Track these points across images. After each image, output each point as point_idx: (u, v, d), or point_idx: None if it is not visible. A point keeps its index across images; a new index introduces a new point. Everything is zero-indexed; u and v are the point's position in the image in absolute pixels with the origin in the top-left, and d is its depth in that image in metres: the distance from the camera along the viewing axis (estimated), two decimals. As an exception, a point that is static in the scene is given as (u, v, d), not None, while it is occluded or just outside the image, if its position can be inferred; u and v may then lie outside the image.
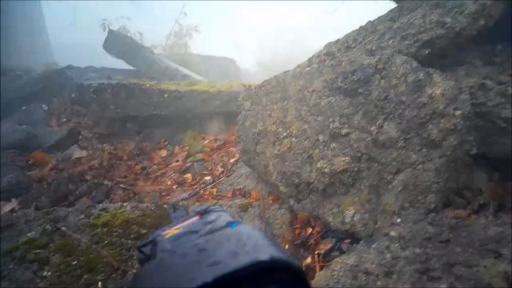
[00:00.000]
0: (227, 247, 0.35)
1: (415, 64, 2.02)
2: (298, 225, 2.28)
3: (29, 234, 2.10)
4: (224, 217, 0.61)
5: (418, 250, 1.42)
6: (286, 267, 0.33)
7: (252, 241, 0.36)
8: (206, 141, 4.21)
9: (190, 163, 3.73)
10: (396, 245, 1.47)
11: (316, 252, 2.04)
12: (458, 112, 1.82)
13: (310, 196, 2.33)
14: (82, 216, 2.24)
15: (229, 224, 0.57)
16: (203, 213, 0.64)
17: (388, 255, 1.45)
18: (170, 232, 0.60)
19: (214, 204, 2.41)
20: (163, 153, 4.16)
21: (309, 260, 1.98)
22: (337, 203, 2.16)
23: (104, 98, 4.05)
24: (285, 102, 2.59)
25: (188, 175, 3.47)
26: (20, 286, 1.81)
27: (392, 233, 1.53)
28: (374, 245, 1.51)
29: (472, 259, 1.35)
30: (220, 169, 3.40)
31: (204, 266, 0.32)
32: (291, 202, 2.44)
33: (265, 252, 0.33)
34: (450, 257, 1.38)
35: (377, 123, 2.02)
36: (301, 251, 2.12)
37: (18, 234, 2.10)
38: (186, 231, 0.58)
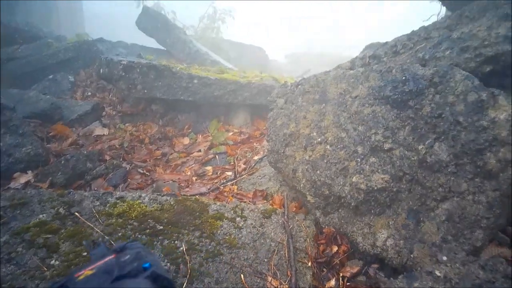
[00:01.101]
0: None
1: (477, 82, 1.82)
2: (323, 241, 2.12)
3: (41, 216, 1.99)
4: (139, 257, 0.62)
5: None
6: None
7: None
8: (230, 133, 4.07)
9: (212, 155, 3.59)
10: (441, 287, 1.30)
11: (341, 275, 1.88)
12: (522, 143, 1.62)
13: (339, 210, 2.17)
14: (98, 203, 2.13)
15: (142, 266, 0.59)
16: (119, 251, 0.65)
17: (432, 300, 1.28)
18: (84, 273, 0.63)
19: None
20: (186, 140, 4.03)
21: (333, 283, 1.82)
22: (369, 223, 1.99)
23: (133, 77, 3.93)
24: (323, 105, 2.41)
25: (209, 168, 3.33)
26: (27, 272, 1.71)
27: (437, 273, 1.35)
28: (415, 284, 1.34)
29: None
30: (243, 166, 3.25)
31: None
32: (318, 213, 2.27)
33: None
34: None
35: (427, 143, 1.83)
36: (324, 270, 1.96)
37: (30, 215, 2.00)
38: (99, 272, 0.60)
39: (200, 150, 3.74)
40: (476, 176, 1.68)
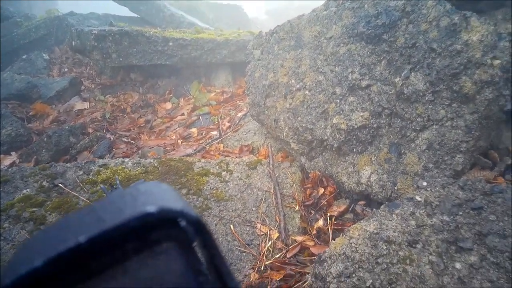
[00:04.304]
0: (116, 204, 0.29)
1: (449, 6, 1.77)
2: (309, 185, 2.13)
3: (24, 191, 1.98)
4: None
5: (447, 217, 1.26)
6: (179, 217, 0.28)
7: (147, 196, 0.29)
8: (213, 94, 4.01)
9: (196, 117, 3.55)
10: (422, 212, 1.32)
11: (328, 214, 1.91)
12: (496, 62, 1.59)
13: (323, 154, 2.17)
14: (81, 172, 2.11)
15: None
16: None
17: (413, 223, 1.30)
18: None
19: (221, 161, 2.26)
20: (168, 105, 3.98)
21: (321, 222, 1.85)
22: (353, 162, 1.99)
23: (106, 46, 3.81)
24: (299, 50, 2.36)
25: (194, 130, 3.30)
26: (16, 245, 1.72)
27: (418, 198, 1.37)
28: (397, 211, 1.35)
29: (507, 229, 1.19)
30: (227, 124, 3.22)
31: (85, 226, 0.27)
32: (303, 160, 2.28)
33: (156, 204, 0.27)
34: (483, 226, 1.22)
35: (403, 74, 1.81)
36: (312, 212, 1.99)
37: (14, 191, 1.99)
38: None
39: (183, 114, 3.69)
40: (453, 101, 1.67)
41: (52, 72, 5.04)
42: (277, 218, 1.88)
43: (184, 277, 0.29)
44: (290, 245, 1.75)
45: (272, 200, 1.99)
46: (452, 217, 1.27)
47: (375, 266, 1.24)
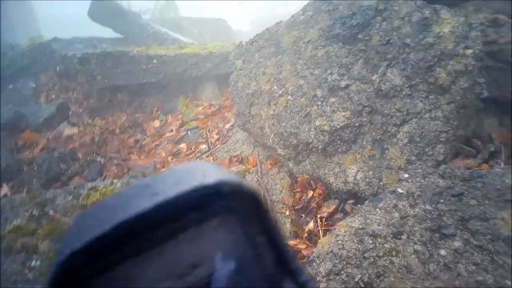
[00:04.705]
0: (172, 178, 0.29)
1: (419, 1, 1.80)
2: (298, 189, 2.14)
3: (15, 221, 1.97)
4: None
5: (429, 206, 1.28)
6: (237, 191, 0.28)
7: (202, 171, 0.30)
8: (200, 108, 4.03)
9: (184, 132, 3.56)
10: (404, 203, 1.32)
11: (318, 216, 1.91)
12: (469, 51, 1.62)
13: (310, 157, 2.18)
14: (71, 197, 2.11)
15: None
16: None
17: (396, 215, 1.31)
18: None
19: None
20: (156, 123, 3.98)
21: (311, 225, 1.85)
22: (339, 162, 2.00)
23: (90, 69, 3.83)
24: (279, 56, 2.39)
25: (183, 145, 3.31)
26: (8, 278, 1.71)
27: (400, 190, 1.38)
28: (380, 205, 1.36)
29: (488, 212, 1.20)
30: (216, 136, 3.24)
31: (144, 198, 0.27)
32: (290, 165, 2.29)
33: (213, 177, 0.28)
34: (465, 212, 1.23)
35: (380, 71, 1.83)
36: (302, 216, 1.99)
37: (4, 223, 1.98)
38: None
39: (172, 130, 3.70)
40: (429, 93, 1.69)
41: (40, 100, 5.04)
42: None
43: (239, 250, 0.29)
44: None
45: (263, 207, 1.99)
46: (434, 205, 1.28)
47: (363, 261, 1.24)
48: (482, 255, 1.14)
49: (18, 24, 11.41)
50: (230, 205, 0.28)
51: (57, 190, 2.19)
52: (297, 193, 2.11)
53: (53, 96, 5.14)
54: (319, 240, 1.41)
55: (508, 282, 1.11)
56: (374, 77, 1.85)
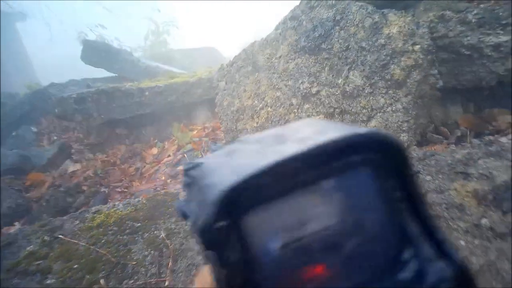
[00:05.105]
0: (309, 129, 0.31)
1: (370, 7, 2.01)
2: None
3: (28, 248, 2.14)
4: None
5: (392, 186, 1.44)
6: (387, 142, 0.28)
7: (337, 125, 0.31)
8: (195, 131, 4.23)
9: (180, 155, 3.75)
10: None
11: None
12: (417, 47, 1.82)
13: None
14: (77, 221, 2.28)
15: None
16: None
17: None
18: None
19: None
20: (154, 151, 4.18)
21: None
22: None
23: (86, 107, 4.06)
24: (257, 74, 2.59)
25: (181, 167, 3.49)
26: (26, 297, 1.87)
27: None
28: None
29: (442, 185, 1.37)
30: (210, 155, 3.42)
31: (289, 143, 0.28)
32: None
33: (358, 129, 0.28)
34: (422, 187, 1.40)
35: (343, 75, 2.03)
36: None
37: (18, 251, 2.15)
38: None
39: (169, 155, 3.89)
40: (388, 89, 1.88)
41: (42, 143, 5.27)
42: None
43: (379, 203, 0.29)
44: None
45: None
46: (395, 185, 1.45)
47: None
48: (439, 222, 1.30)
49: (14, 72, 11.82)
50: (376, 156, 0.28)
51: (64, 217, 2.36)
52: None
53: (55, 138, 5.36)
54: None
55: (462, 243, 1.27)
56: (339, 81, 2.04)
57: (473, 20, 1.92)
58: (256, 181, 0.25)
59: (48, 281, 1.93)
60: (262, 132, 0.32)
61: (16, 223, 3.38)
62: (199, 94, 4.52)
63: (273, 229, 0.27)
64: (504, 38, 1.85)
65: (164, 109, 4.42)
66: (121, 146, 4.43)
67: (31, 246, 2.15)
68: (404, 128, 1.83)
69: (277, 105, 2.37)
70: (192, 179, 0.50)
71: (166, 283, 1.83)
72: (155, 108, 4.33)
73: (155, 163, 3.87)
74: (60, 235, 2.19)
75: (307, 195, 0.27)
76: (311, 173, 0.26)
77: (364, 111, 1.95)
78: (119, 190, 3.48)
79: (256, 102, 2.55)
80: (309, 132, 0.29)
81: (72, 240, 2.13)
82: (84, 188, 3.62)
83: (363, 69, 1.94)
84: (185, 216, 0.48)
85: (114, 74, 7.57)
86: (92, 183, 3.72)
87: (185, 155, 3.72)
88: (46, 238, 2.19)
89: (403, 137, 1.82)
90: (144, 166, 3.89)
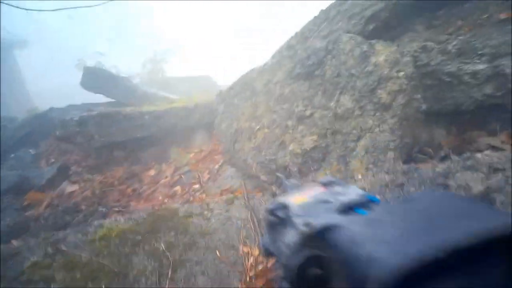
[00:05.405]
0: (447, 210, 0.32)
1: (359, 38, 2.20)
2: (282, 208, 2.42)
3: (32, 259, 2.22)
4: (353, 190, 0.56)
5: (377, 196, 1.57)
6: None
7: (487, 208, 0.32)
8: (192, 154, 4.35)
9: (178, 176, 3.86)
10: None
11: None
12: (401, 73, 1.99)
13: (289, 179, 2.48)
14: (80, 235, 2.37)
15: (368, 199, 0.51)
16: (327, 184, 0.59)
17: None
18: (296, 199, 0.56)
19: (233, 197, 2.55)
20: (152, 172, 4.29)
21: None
22: (313, 180, 2.31)
23: (88, 129, 4.19)
24: (254, 98, 2.76)
25: (178, 187, 3.59)
26: (30, 305, 1.94)
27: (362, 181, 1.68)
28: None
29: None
30: (207, 176, 3.54)
31: (441, 227, 0.29)
32: (274, 188, 2.58)
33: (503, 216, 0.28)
34: (405, 197, 1.53)
35: (335, 99, 2.19)
36: (287, 229, 2.26)
37: (22, 261, 2.22)
38: (315, 201, 0.53)
39: (167, 176, 4.00)
40: (376, 111, 2.04)
41: (40, 164, 5.35)
42: (257, 239, 2.15)
43: None
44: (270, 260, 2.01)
45: (251, 225, 2.26)
46: (381, 195, 1.58)
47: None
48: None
49: (11, 100, 11.97)
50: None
51: (67, 230, 2.45)
52: (280, 211, 2.38)
53: (53, 160, 5.45)
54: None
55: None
56: (331, 104, 2.21)
57: (453, 50, 2.11)
58: (426, 265, 0.25)
59: (51, 290, 2.01)
60: (393, 205, 0.34)
61: (14, 241, 3.43)
62: (197, 119, 4.68)
63: None
64: (481, 66, 2.03)
65: (162, 132, 4.57)
66: (119, 168, 4.53)
67: (35, 257, 2.22)
68: (390, 147, 1.98)
69: (273, 126, 2.53)
70: (278, 219, 0.55)
71: (166, 291, 1.92)
72: (154, 132, 4.47)
73: (152, 184, 3.97)
74: (63, 247, 2.27)
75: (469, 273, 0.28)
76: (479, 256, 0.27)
77: (354, 131, 2.10)
78: (117, 209, 3.56)
79: (253, 124, 2.70)
80: (452, 215, 0.31)
81: (75, 252, 2.21)
82: (83, 207, 3.70)
83: (353, 93, 2.10)
84: (269, 254, 0.56)
85: (112, 100, 7.75)
86: (90, 203, 3.80)
87: (182, 176, 3.83)
88: (49, 249, 2.27)
89: (390, 155, 1.97)
90: (142, 187, 3.98)
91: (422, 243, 0.26)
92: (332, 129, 2.21)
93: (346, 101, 2.13)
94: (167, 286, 1.94)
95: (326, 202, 0.53)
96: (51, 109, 6.98)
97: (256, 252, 2.05)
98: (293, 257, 0.41)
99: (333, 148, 2.22)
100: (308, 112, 2.33)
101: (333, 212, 0.48)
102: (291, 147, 2.36)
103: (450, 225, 0.29)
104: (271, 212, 0.58)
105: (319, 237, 0.41)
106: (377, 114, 2.04)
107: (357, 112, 2.09)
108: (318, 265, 0.40)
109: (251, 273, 1.90)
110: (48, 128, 6.31)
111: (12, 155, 5.69)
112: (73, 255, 2.19)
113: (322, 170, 2.27)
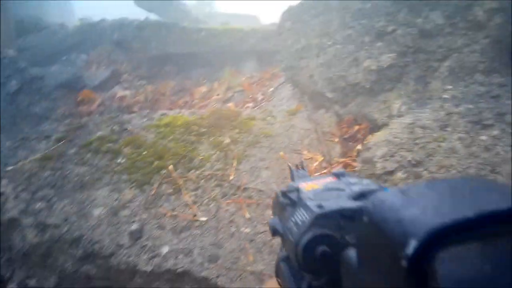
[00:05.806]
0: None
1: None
2: (345, 125, 2.40)
3: (99, 133, 2.31)
4: (366, 181, 0.56)
5: (471, 105, 1.53)
6: None
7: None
8: (243, 78, 4.33)
9: (231, 94, 3.87)
10: (449, 104, 1.59)
11: (365, 142, 2.17)
12: (505, -8, 1.87)
13: (356, 99, 2.44)
14: (145, 119, 2.44)
15: (381, 188, 0.52)
16: (339, 175, 0.60)
17: (443, 112, 1.57)
18: (308, 186, 0.58)
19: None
20: (203, 89, 4.31)
21: (359, 147, 2.12)
22: (384, 100, 2.26)
23: (146, 35, 4.20)
24: (327, 14, 2.66)
25: (231, 104, 3.61)
26: (99, 169, 2.04)
27: (445, 96, 1.64)
28: (428, 106, 1.62)
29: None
30: (261, 96, 3.53)
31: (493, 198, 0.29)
32: (337, 107, 2.55)
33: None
34: (501, 108, 1.48)
35: (423, 15, 2.09)
36: (350, 143, 2.26)
37: (89, 134, 2.32)
38: (327, 188, 0.55)
39: (218, 94, 4.02)
40: (468, 30, 1.94)
41: (91, 69, 5.46)
42: (320, 148, 2.16)
43: None
44: (334, 164, 2.02)
45: (314, 136, 2.27)
46: (475, 104, 1.53)
47: (414, 146, 1.51)
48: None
49: (55, 8, 12.03)
50: None
51: (131, 114, 2.52)
52: (344, 128, 2.37)
53: (103, 67, 5.55)
54: (374, 133, 1.67)
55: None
56: (418, 21, 2.11)
57: None
58: (461, 226, 0.26)
59: (119, 160, 2.10)
60: (418, 186, 0.33)
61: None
62: (251, 44, 4.61)
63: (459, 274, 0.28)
64: None
65: (216, 52, 4.54)
66: (170, 82, 4.58)
67: (102, 132, 2.31)
68: (479, 69, 1.90)
69: (347, 42, 2.45)
70: (290, 201, 0.57)
71: (231, 177, 1.98)
72: (208, 50, 4.45)
73: (204, 99, 4.00)
74: (129, 127, 2.34)
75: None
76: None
77: (440, 50, 2.02)
78: (170, 115, 3.63)
79: (324, 40, 2.63)
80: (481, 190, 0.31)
81: (141, 132, 2.28)
82: (135, 109, 3.78)
83: (446, 9, 2.00)
84: (276, 233, 0.57)
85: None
86: (142, 106, 3.88)
87: (235, 94, 3.84)
88: (115, 127, 2.35)
89: (478, 77, 1.90)
90: (193, 100, 4.03)
91: (458, 209, 0.27)
92: (415, 47, 2.13)
93: (437, 17, 2.03)
94: (231, 173, 1.99)
95: (339, 189, 0.54)
96: (103, 20, 7.00)
97: (320, 158, 2.07)
98: (303, 235, 0.43)
99: (413, 67, 2.15)
100: (390, 28, 2.24)
101: (346, 199, 0.50)
102: (366, 63, 2.29)
103: (481, 198, 0.29)
104: (284, 194, 0.60)
105: (331, 217, 0.44)
106: (469, 33, 1.94)
107: (447, 30, 2.00)
108: (326, 244, 0.42)
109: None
110: (98, 39, 6.36)
111: (64, 57, 5.81)
112: (139, 135, 2.26)
113: (395, 90, 2.22)
